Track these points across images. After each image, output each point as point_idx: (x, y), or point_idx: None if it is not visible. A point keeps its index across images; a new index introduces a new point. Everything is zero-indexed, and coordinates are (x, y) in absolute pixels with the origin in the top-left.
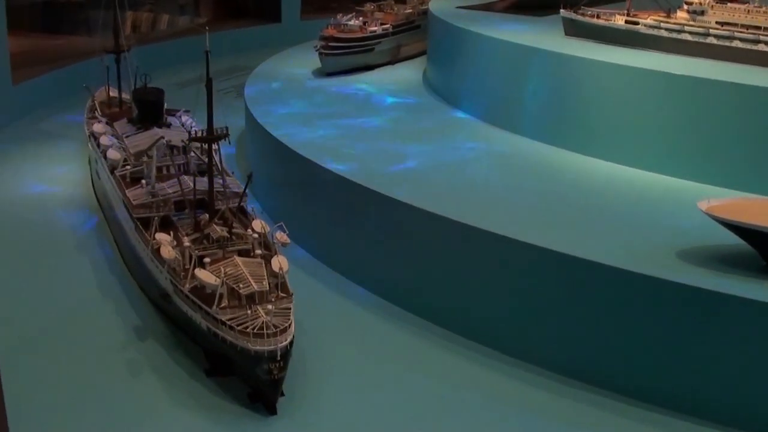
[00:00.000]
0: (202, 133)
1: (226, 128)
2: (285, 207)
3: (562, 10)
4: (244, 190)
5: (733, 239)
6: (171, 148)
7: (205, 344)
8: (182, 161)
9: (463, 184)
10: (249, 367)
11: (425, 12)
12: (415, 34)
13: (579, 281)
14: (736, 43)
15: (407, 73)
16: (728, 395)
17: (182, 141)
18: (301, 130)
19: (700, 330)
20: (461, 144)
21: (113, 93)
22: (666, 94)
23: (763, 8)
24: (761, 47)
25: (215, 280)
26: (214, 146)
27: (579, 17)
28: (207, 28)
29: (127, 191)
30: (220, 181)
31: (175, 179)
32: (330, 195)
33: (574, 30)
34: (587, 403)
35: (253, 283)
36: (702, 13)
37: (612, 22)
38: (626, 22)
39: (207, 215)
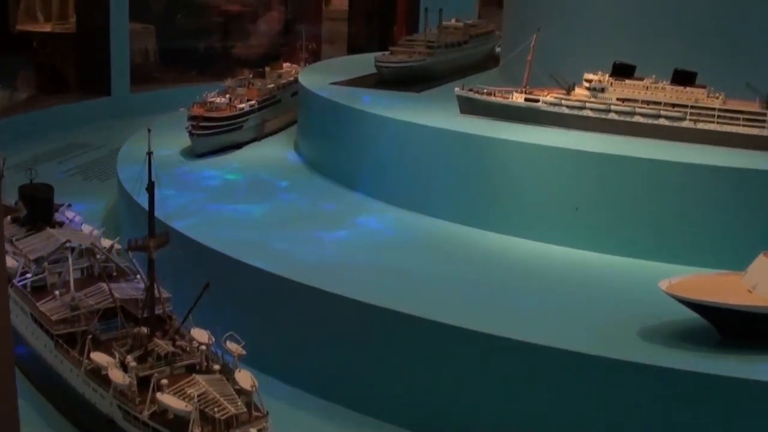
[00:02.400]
0: (143, 240)
1: (166, 234)
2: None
3: (456, 89)
4: (198, 299)
5: (687, 314)
6: (81, 252)
7: None
8: (86, 264)
9: (393, 271)
10: None
11: (284, 86)
12: (277, 108)
13: (540, 368)
14: (638, 119)
15: (278, 151)
16: None
17: (93, 244)
18: (199, 221)
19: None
20: (373, 227)
21: None
22: (581, 170)
23: (661, 84)
24: (662, 122)
25: (186, 406)
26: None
27: (476, 96)
28: (150, 129)
29: (38, 304)
30: (140, 285)
31: (96, 287)
32: (253, 291)
33: (471, 108)
34: None
35: (229, 406)
36: (602, 90)
37: (511, 99)
38: (526, 99)
39: (143, 328)
